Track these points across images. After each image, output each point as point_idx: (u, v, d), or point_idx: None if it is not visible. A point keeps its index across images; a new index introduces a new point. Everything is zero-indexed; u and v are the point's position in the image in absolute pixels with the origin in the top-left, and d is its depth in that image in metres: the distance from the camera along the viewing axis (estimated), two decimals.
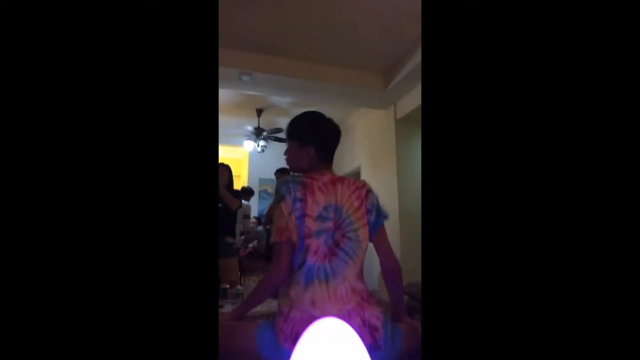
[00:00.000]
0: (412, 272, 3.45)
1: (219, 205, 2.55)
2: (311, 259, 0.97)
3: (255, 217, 5.69)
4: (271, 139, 5.23)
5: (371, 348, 0.93)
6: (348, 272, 0.99)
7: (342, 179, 1.09)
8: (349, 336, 0.50)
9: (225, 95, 4.30)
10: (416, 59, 3.08)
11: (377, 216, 1.10)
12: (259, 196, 6.52)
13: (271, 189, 3.50)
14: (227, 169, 2.69)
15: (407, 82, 3.39)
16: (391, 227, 3.66)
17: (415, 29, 2.91)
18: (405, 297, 1.79)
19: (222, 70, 3.16)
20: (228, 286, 1.97)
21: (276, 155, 6.42)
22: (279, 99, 4.53)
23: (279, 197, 1.03)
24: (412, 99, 3.57)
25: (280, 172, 3.56)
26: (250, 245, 4.72)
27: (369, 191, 1.13)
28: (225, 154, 6.80)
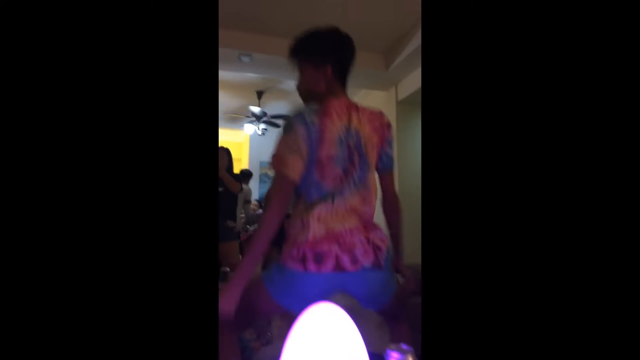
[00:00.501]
0: (411, 254, 3.48)
1: (220, 189, 2.56)
2: (326, 185, 0.94)
3: (256, 200, 5.71)
4: (271, 124, 5.19)
5: (374, 266, 0.95)
6: (356, 198, 0.97)
7: (358, 106, 1.03)
8: (345, 323, 0.51)
9: (225, 76, 4.24)
10: (417, 40, 3.02)
11: (392, 155, 1.08)
12: (260, 179, 6.53)
13: (272, 172, 3.50)
14: (227, 152, 2.68)
15: (408, 64, 3.34)
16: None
17: (416, 8, 2.83)
18: (402, 279, 1.81)
19: (221, 51, 3.10)
20: (229, 269, 2.00)
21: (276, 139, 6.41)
22: (280, 81, 4.47)
23: (285, 128, 0.95)
24: (414, 81, 3.52)
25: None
26: (251, 228, 4.75)
27: (389, 125, 1.08)
28: (226, 137, 6.77)
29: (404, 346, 0.52)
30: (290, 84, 4.54)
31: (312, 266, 0.89)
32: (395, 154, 1.08)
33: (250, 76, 4.11)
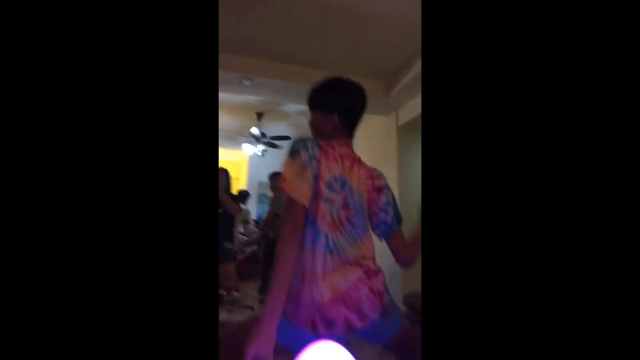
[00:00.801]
0: (412, 281, 3.42)
1: (219, 210, 2.54)
2: (319, 224, 0.91)
3: (254, 221, 5.67)
4: (270, 146, 5.22)
5: (381, 316, 0.92)
6: (356, 249, 0.94)
7: (360, 161, 1.05)
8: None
9: (225, 98, 4.29)
10: (418, 67, 3.07)
11: (393, 216, 1.05)
12: (258, 200, 6.51)
13: (270, 193, 3.50)
14: (225, 173, 2.67)
15: (409, 90, 3.38)
16: None
17: (417, 36, 2.90)
18: (405, 308, 1.76)
19: (223, 75, 3.15)
20: (225, 293, 1.95)
21: (276, 160, 6.42)
22: (280, 104, 4.52)
23: (292, 152, 0.94)
24: (414, 107, 3.56)
25: (274, 176, 3.54)
26: (249, 249, 4.69)
27: (386, 187, 1.07)
28: (225, 156, 6.80)
29: None
30: (290, 106, 4.59)
31: (322, 331, 0.87)
32: (390, 214, 1.05)
33: (250, 98, 4.15)
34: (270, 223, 3.48)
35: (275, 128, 5.33)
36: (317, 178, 0.93)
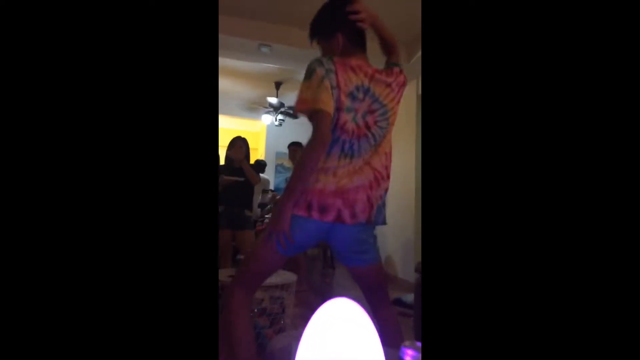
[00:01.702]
0: (406, 244, 3.45)
1: (242, 179, 2.59)
2: (339, 132, 1.01)
3: (272, 191, 5.76)
4: (288, 115, 5.19)
5: (367, 222, 1.05)
6: (371, 155, 1.05)
7: (377, 69, 1.09)
8: (361, 318, 0.51)
9: (244, 67, 4.26)
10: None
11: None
12: (275, 170, 6.57)
13: (288, 163, 3.51)
14: (244, 142, 2.69)
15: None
16: (407, 207, 3.66)
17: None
18: (416, 275, 1.80)
19: (240, 41, 3.11)
20: (244, 257, 2.03)
21: (294, 130, 6.40)
22: (298, 72, 4.45)
23: (307, 73, 1.01)
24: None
25: (294, 145, 3.53)
26: (268, 217, 4.79)
27: (404, 83, 1.14)
28: (243, 126, 6.82)
29: (418, 343, 0.53)
30: None
31: (316, 215, 0.98)
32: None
33: (269, 67, 4.11)
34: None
35: (294, 97, 5.29)
36: (336, 89, 0.99)
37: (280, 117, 5.22)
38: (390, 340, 1.08)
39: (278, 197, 4.80)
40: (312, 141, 0.96)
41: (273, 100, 4.88)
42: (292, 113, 5.12)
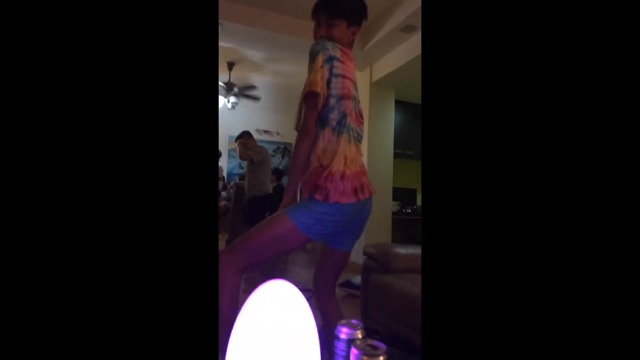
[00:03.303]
0: (373, 236, 3.56)
1: None
2: (349, 119, 1.07)
3: (223, 178, 5.61)
4: (243, 96, 5.04)
5: (367, 199, 1.09)
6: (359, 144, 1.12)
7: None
8: (295, 298, 0.51)
9: None
10: (394, 21, 2.99)
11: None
12: (229, 155, 6.39)
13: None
14: None
15: (383, 45, 3.32)
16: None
17: None
18: (364, 257, 1.85)
19: None
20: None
21: (247, 113, 6.22)
22: (252, 53, 4.32)
23: (311, 55, 1.05)
24: (389, 63, 3.51)
25: (243, 136, 3.35)
26: (222, 204, 4.68)
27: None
28: None
29: (354, 322, 0.54)
30: (262, 55, 4.41)
31: (361, 195, 1.04)
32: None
33: (221, 46, 3.94)
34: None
35: (248, 80, 5.13)
36: (343, 77, 1.05)
37: (233, 99, 5.05)
38: (332, 321, 1.11)
39: (231, 184, 4.68)
40: (303, 128, 1.03)
41: (224, 81, 4.70)
42: (248, 95, 4.97)
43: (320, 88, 1.01)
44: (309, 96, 1.02)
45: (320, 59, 1.02)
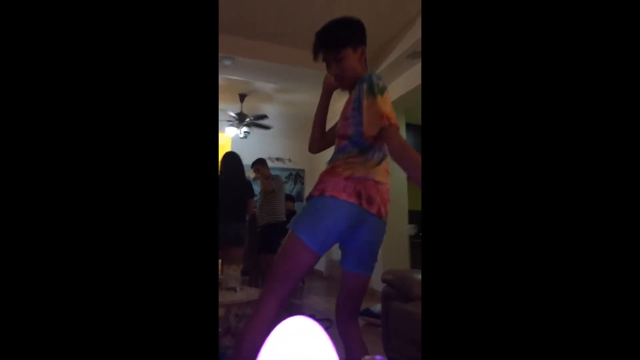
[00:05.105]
0: (390, 261, 3.49)
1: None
2: (380, 147, 1.08)
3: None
4: (254, 126, 5.14)
5: (377, 215, 1.06)
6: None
7: None
8: (318, 335, 0.50)
9: None
10: (402, 47, 3.05)
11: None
12: None
13: (252, 175, 3.36)
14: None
15: (392, 71, 3.37)
16: None
17: (401, 15, 2.87)
18: (383, 285, 1.81)
19: None
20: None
21: (259, 142, 6.33)
22: (263, 85, 4.44)
23: (381, 88, 1.04)
24: (398, 87, 3.56)
25: (257, 164, 3.40)
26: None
27: None
28: None
29: (378, 357, 0.52)
30: (273, 86, 4.52)
31: (365, 204, 1.02)
32: None
33: (233, 79, 4.07)
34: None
35: (259, 110, 5.25)
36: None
37: (245, 129, 5.16)
38: (354, 353, 1.07)
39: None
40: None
41: (236, 112, 4.82)
42: (259, 123, 5.07)
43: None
44: (394, 128, 0.98)
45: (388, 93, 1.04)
